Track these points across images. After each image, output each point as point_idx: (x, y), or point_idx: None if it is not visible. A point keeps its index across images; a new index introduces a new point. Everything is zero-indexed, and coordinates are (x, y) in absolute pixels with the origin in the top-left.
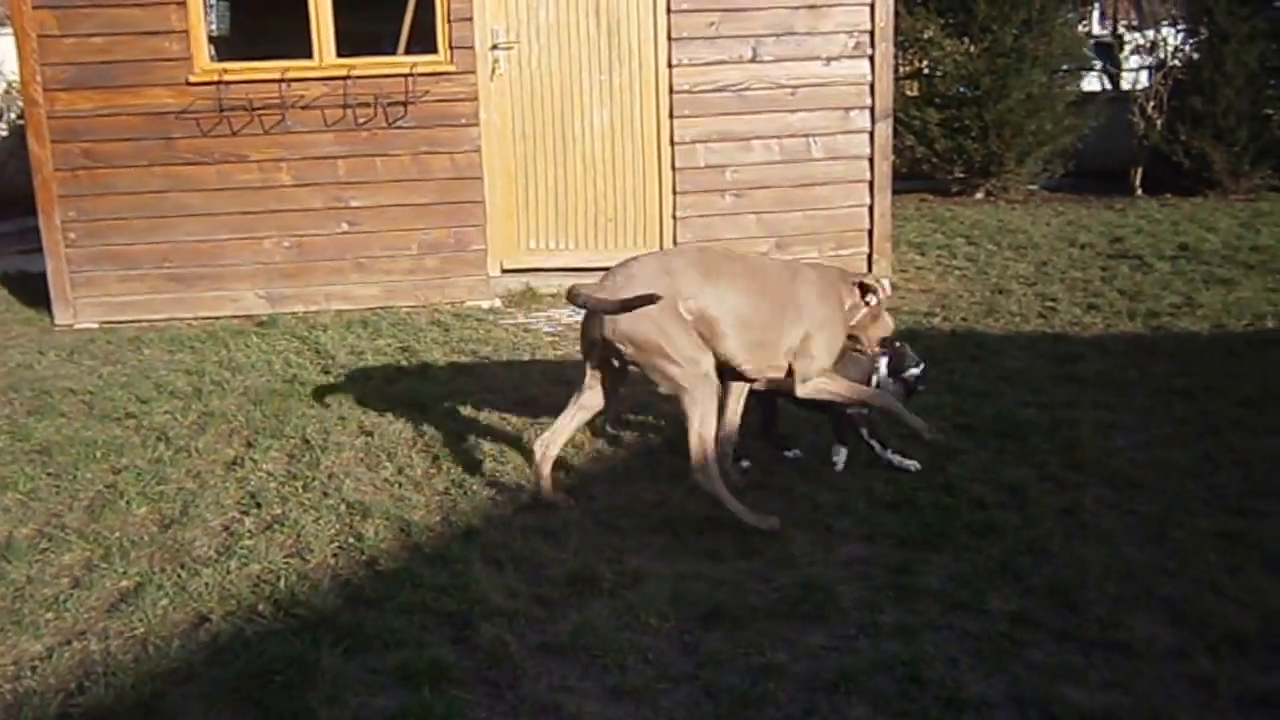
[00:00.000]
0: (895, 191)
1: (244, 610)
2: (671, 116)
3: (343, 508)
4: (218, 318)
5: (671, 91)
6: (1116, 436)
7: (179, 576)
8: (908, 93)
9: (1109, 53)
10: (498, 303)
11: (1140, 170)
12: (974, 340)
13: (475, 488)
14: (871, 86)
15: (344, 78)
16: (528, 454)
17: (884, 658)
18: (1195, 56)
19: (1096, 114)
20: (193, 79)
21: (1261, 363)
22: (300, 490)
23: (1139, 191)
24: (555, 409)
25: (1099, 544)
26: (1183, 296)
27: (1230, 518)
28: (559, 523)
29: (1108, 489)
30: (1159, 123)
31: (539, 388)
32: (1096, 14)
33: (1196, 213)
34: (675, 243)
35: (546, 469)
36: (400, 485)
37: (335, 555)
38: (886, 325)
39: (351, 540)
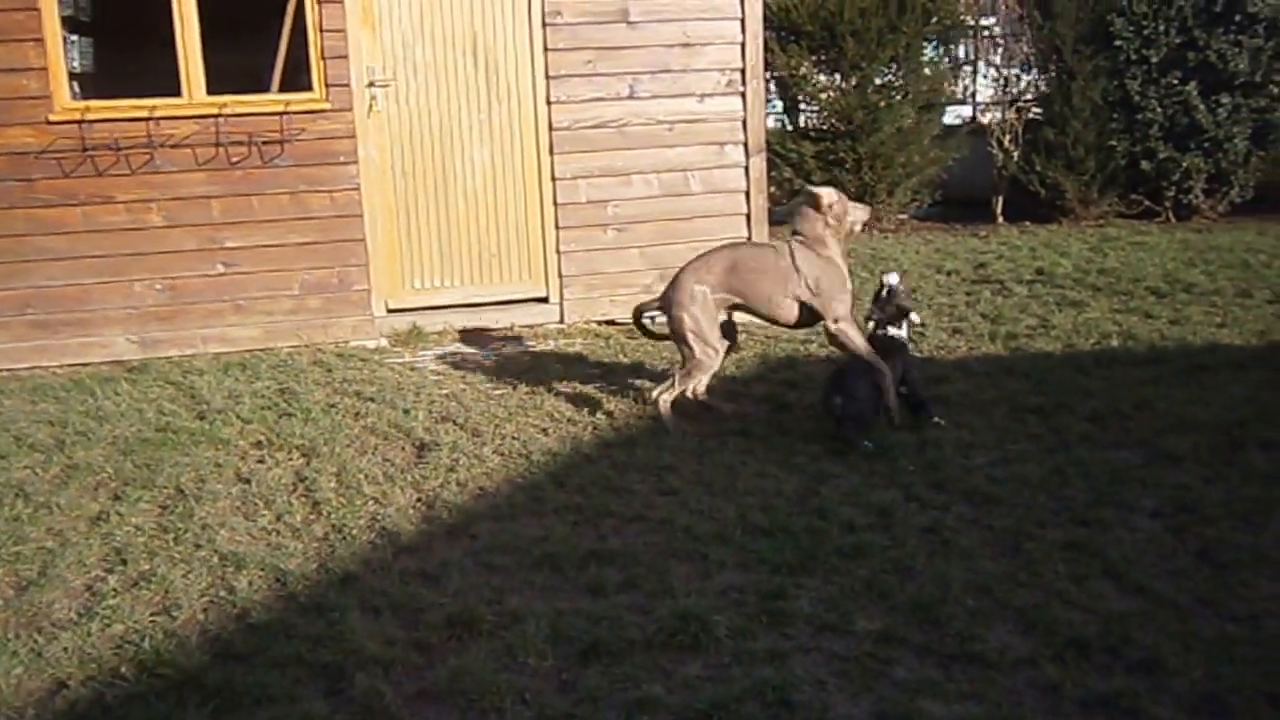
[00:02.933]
0: (776, 223)
1: (105, 674)
2: (552, 153)
3: (215, 559)
4: (86, 364)
5: (551, 128)
6: (976, 454)
7: (35, 642)
8: (784, 126)
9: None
10: (384, 342)
11: (1001, 199)
12: None
13: (356, 533)
14: (744, 122)
15: (215, 116)
16: (418, 490)
17: (755, 684)
18: (1046, 92)
19: (959, 146)
20: (53, 118)
21: (1107, 380)
22: (171, 543)
23: (1000, 219)
24: (439, 447)
25: (959, 560)
26: (1038, 319)
27: (1077, 528)
28: (438, 565)
29: (968, 506)
30: (1016, 154)
31: (423, 427)
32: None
33: (1052, 239)
34: (560, 277)
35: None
36: (278, 533)
37: (205, 610)
38: (858, 213)
39: (223, 593)
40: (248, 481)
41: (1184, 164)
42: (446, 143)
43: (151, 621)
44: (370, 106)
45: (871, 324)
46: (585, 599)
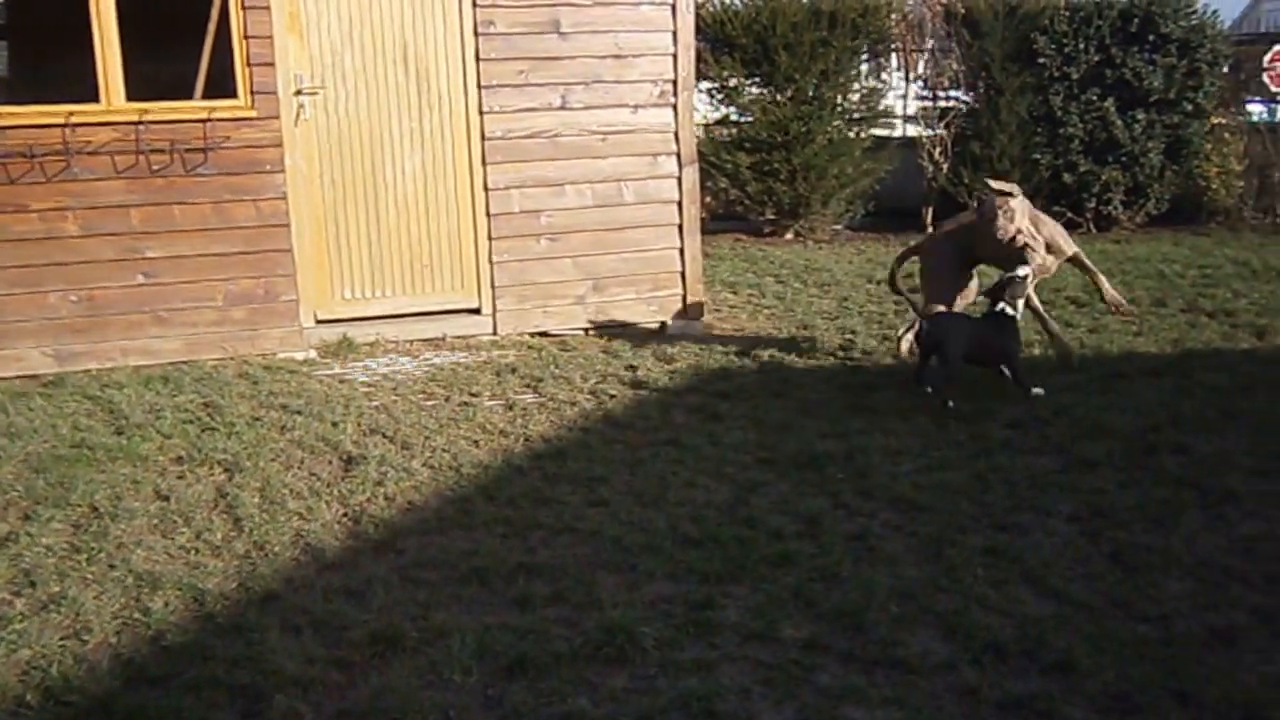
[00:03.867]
0: (711, 232)
1: (9, 701)
2: (485, 163)
3: (130, 580)
4: None
5: (484, 138)
6: (903, 461)
7: None
8: (719, 137)
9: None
10: (312, 354)
11: (931, 210)
12: (779, 376)
13: (278, 550)
14: (676, 134)
15: (136, 123)
16: (344, 505)
17: (681, 694)
18: (975, 107)
19: (891, 159)
20: None
21: None
22: (83, 564)
23: (931, 229)
24: (367, 460)
25: (884, 566)
26: None
27: (997, 534)
28: (363, 581)
29: (893, 513)
30: (945, 167)
31: (351, 440)
32: (894, 62)
33: None
34: (493, 288)
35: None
36: (197, 552)
37: (118, 633)
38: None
39: (137, 615)
40: (167, 499)
41: (1103, 177)
42: (377, 152)
43: (61, 646)
44: (298, 115)
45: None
46: (512, 613)
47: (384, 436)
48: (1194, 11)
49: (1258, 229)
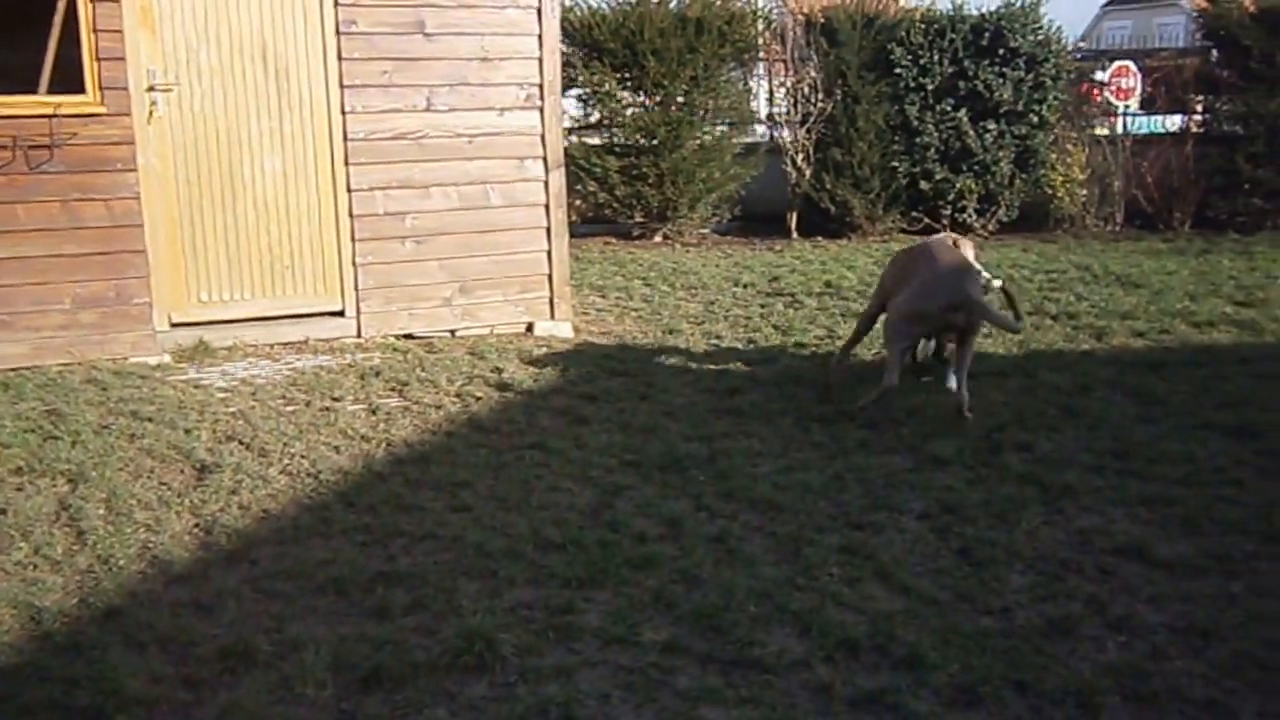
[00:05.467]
0: (581, 235)
1: None
2: (347, 164)
3: None
4: None
5: (346, 139)
6: (764, 463)
7: None
8: (589, 141)
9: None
10: (167, 358)
11: (795, 215)
12: (645, 379)
13: (124, 563)
14: (543, 137)
15: None
16: (195, 515)
17: (540, 701)
18: (834, 115)
19: (757, 164)
20: None
21: None
22: None
23: (795, 235)
24: (222, 469)
25: (743, 567)
26: (826, 330)
27: (852, 532)
28: (214, 594)
29: (754, 513)
30: (808, 173)
31: (205, 447)
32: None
33: (841, 253)
34: (357, 290)
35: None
36: (35, 567)
37: None
38: None
39: None
40: (3, 512)
41: (958, 185)
42: (235, 151)
43: None
44: (151, 112)
45: None
46: (370, 623)
47: (240, 443)
48: (1040, 27)
49: (1099, 235)
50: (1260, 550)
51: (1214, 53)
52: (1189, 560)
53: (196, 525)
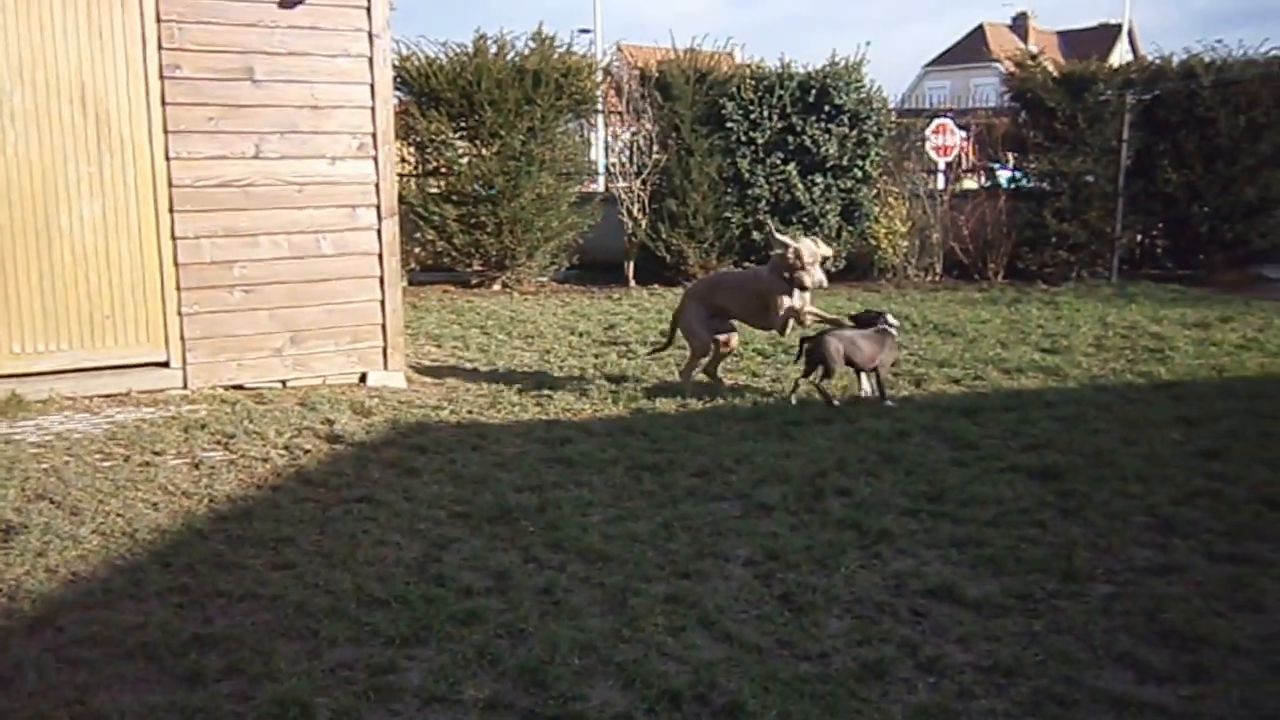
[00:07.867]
0: (420, 283)
1: None
2: (172, 211)
3: None
4: None
5: (171, 185)
6: (594, 513)
7: None
8: (428, 190)
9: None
10: None
11: (633, 264)
12: (477, 430)
13: None
14: (376, 186)
15: None
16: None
17: None
18: (669, 166)
19: (594, 213)
20: None
21: (715, 436)
22: None
23: (632, 282)
24: (29, 529)
25: (569, 619)
26: (658, 379)
27: (679, 581)
28: (13, 665)
29: (582, 564)
30: (644, 223)
31: (13, 507)
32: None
33: (676, 301)
34: (183, 340)
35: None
36: None
37: None
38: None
39: None
40: None
41: None
42: (50, 196)
43: None
44: None
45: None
46: (181, 690)
47: (51, 502)
48: (862, 85)
49: (919, 285)
50: (1060, 589)
51: (1023, 113)
52: (995, 600)
53: None
